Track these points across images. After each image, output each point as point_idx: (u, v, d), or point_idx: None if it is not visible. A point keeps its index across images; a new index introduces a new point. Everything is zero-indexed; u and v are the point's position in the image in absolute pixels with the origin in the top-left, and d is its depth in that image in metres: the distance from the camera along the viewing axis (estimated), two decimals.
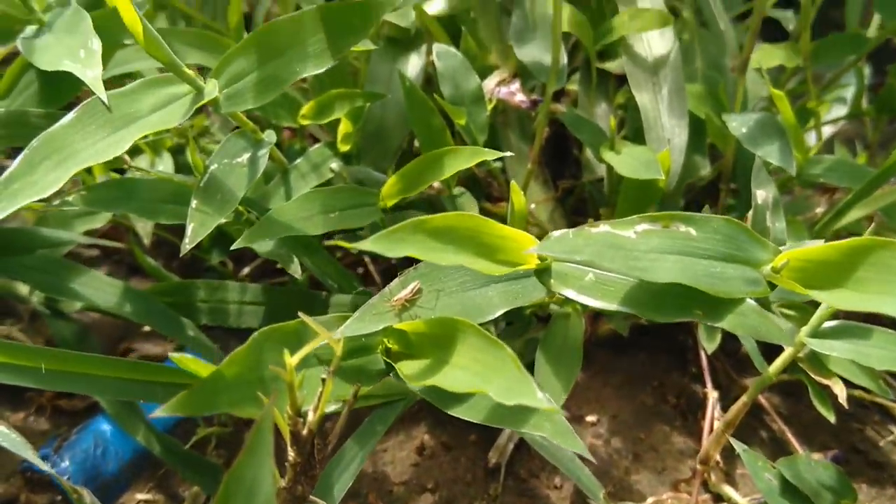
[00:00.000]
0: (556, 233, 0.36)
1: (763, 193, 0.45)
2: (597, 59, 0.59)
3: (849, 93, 0.60)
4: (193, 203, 0.42)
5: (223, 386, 0.32)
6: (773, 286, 0.36)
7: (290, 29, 0.41)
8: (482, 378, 0.32)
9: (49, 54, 0.41)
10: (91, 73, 0.38)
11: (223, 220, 0.41)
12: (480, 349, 0.34)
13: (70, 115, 0.37)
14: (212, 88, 0.40)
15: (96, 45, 0.40)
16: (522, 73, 0.59)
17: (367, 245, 0.33)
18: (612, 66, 0.60)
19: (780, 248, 0.40)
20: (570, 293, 0.37)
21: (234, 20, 0.51)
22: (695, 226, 0.36)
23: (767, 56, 0.55)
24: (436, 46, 0.54)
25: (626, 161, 0.51)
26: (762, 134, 0.49)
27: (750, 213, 0.45)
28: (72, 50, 0.40)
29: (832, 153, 0.62)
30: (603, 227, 0.35)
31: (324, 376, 0.32)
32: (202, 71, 0.55)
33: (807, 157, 0.51)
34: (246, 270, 0.63)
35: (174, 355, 0.33)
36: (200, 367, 0.33)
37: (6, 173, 0.35)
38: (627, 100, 0.62)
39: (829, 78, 0.61)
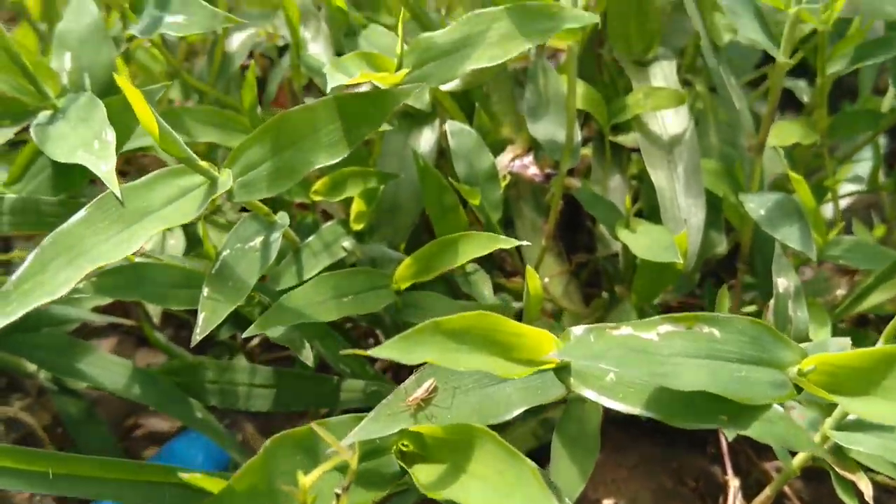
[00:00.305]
0: (577, 330, 0.35)
1: (784, 282, 0.44)
2: (610, 132, 0.59)
3: (865, 168, 0.59)
4: (205, 291, 0.41)
5: (236, 501, 0.31)
6: (799, 389, 0.35)
7: (305, 118, 0.41)
8: (502, 492, 0.31)
9: (63, 145, 0.40)
10: (105, 167, 0.38)
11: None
12: (500, 459, 0.33)
13: (82, 212, 0.37)
14: (226, 179, 0.40)
15: (110, 136, 0.39)
16: (536, 146, 0.58)
17: (382, 352, 0.32)
18: (625, 139, 0.59)
19: (806, 345, 0.39)
20: (591, 394, 0.36)
21: (248, 100, 0.50)
22: (718, 327, 0.35)
23: (783, 133, 0.54)
24: (449, 124, 0.54)
25: (643, 242, 0.50)
26: (780, 216, 0.48)
27: (771, 303, 0.44)
28: (86, 140, 0.40)
29: (848, 226, 0.61)
30: (625, 330, 0.35)
31: (338, 491, 0.31)
32: (214, 149, 0.55)
33: (826, 239, 0.50)
34: (255, 341, 0.62)
35: (185, 475, 0.32)
36: (211, 484, 0.32)
37: (18, 273, 0.35)
38: (641, 171, 0.61)
39: (845, 151, 0.60)
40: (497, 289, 0.56)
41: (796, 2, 0.47)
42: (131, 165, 0.66)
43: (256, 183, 0.41)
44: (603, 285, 0.63)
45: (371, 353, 0.32)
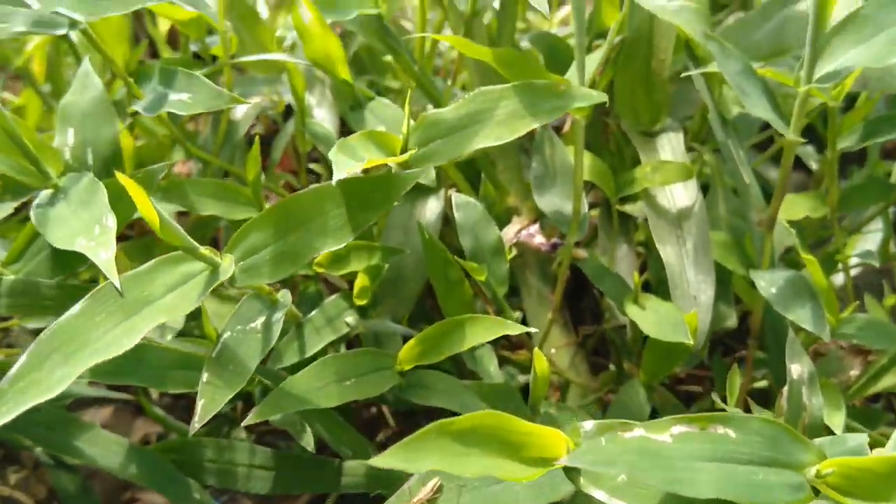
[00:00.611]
0: (587, 426, 0.34)
1: (798, 368, 0.43)
2: (617, 202, 0.58)
3: (875, 239, 0.59)
4: (204, 376, 0.40)
5: None
6: (816, 491, 0.34)
7: (309, 203, 0.41)
8: None
9: (63, 230, 0.40)
10: (104, 255, 0.37)
11: None
12: None
13: (80, 305, 0.36)
14: (228, 265, 0.39)
15: (111, 221, 0.39)
16: (542, 214, 0.58)
17: (384, 461, 0.31)
18: (632, 208, 0.59)
19: (821, 441, 0.38)
20: (601, 495, 0.35)
21: (252, 174, 0.50)
22: (734, 427, 0.34)
23: (793, 207, 0.54)
24: (455, 196, 0.53)
25: (652, 320, 0.49)
26: (792, 296, 0.47)
27: (785, 390, 0.43)
28: (86, 225, 0.39)
29: (858, 291, 0.61)
30: (637, 431, 0.34)
31: None
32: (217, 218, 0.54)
33: (839, 318, 0.49)
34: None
35: None
36: None
37: (13, 370, 0.34)
38: (648, 237, 0.60)
39: (855, 219, 0.60)
40: (502, 361, 0.55)
41: (806, 79, 0.46)
42: (132, 229, 0.66)
43: (259, 267, 0.40)
44: (610, 355, 0.62)
45: (373, 462, 0.31)
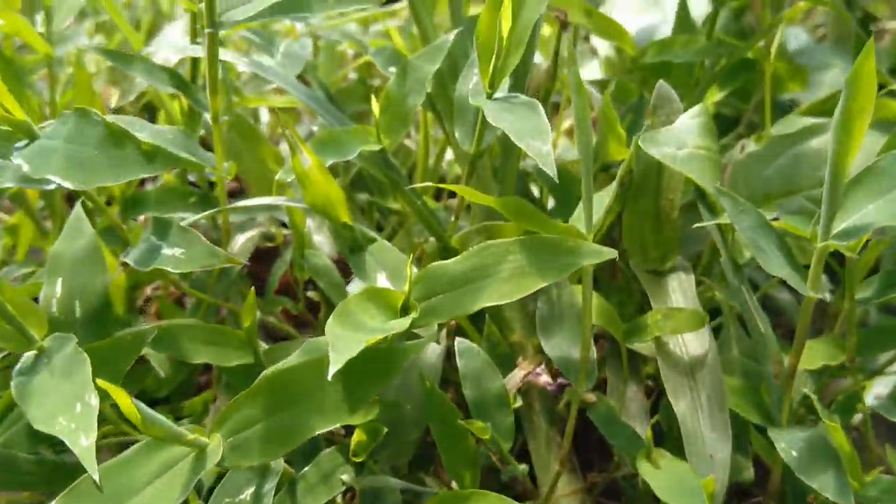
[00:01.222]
0: None
1: None
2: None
3: (893, 381, 0.56)
4: None
5: None
6: None
7: (304, 376, 0.38)
8: None
9: (44, 405, 0.37)
10: (85, 441, 0.35)
11: None
12: None
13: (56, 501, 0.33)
14: (216, 446, 0.37)
15: (94, 400, 0.36)
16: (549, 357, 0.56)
17: None
18: (642, 347, 0.57)
19: None
20: None
21: (248, 322, 0.48)
22: None
23: (811, 356, 0.52)
24: (457, 343, 0.51)
25: (666, 483, 0.46)
26: (814, 461, 0.45)
27: None
28: (67, 402, 0.37)
29: (878, 435, 0.58)
30: None
31: None
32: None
33: (863, 482, 0.46)
34: None
35: None
36: None
37: None
38: (657, 370, 0.58)
39: (870, 361, 0.58)
40: None
41: (823, 235, 0.45)
42: None
43: (248, 446, 0.38)
44: (621, 499, 0.59)
45: None
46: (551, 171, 0.41)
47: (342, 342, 0.36)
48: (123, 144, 0.39)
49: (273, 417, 0.38)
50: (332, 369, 0.33)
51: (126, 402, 0.32)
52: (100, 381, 0.31)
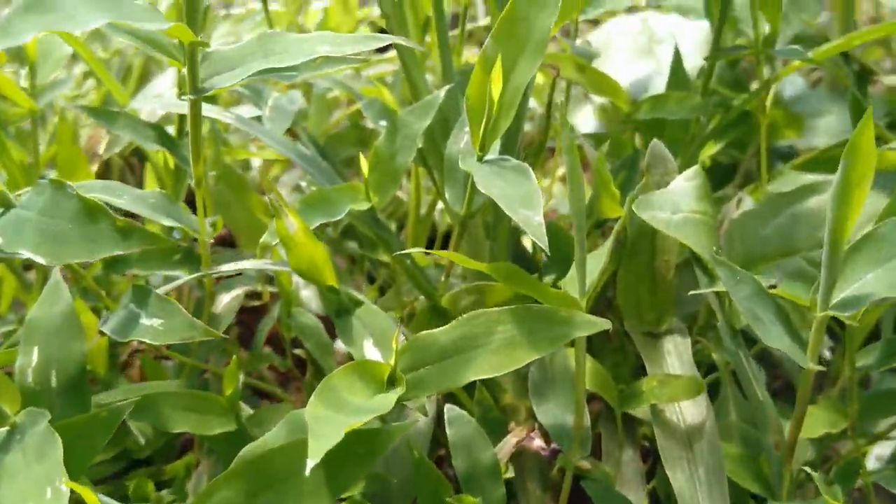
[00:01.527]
0: None
1: None
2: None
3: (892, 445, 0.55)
4: None
5: None
6: None
7: (284, 459, 0.37)
8: None
9: (14, 488, 0.36)
10: None
11: None
12: None
13: None
14: None
15: (64, 487, 0.35)
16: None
17: None
18: (637, 411, 0.55)
19: None
20: None
21: (230, 390, 0.46)
22: None
23: (812, 425, 0.50)
24: (447, 411, 0.49)
25: None
26: None
27: None
28: (38, 486, 0.36)
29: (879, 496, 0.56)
30: None
31: None
32: None
33: None
34: None
35: None
36: None
37: None
38: (653, 433, 0.57)
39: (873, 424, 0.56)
40: None
41: (823, 305, 0.43)
42: None
43: None
44: None
45: None
46: (542, 243, 0.40)
47: (323, 426, 0.35)
48: (98, 219, 0.38)
49: (252, 501, 0.36)
50: (311, 463, 0.32)
51: (93, 500, 0.30)
52: (66, 482, 0.30)
